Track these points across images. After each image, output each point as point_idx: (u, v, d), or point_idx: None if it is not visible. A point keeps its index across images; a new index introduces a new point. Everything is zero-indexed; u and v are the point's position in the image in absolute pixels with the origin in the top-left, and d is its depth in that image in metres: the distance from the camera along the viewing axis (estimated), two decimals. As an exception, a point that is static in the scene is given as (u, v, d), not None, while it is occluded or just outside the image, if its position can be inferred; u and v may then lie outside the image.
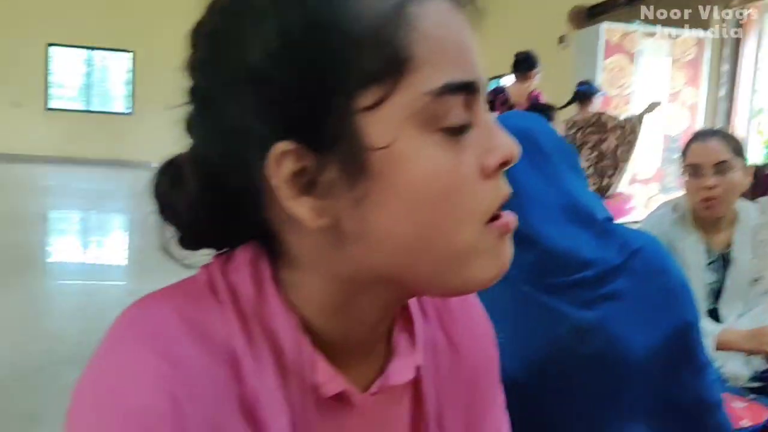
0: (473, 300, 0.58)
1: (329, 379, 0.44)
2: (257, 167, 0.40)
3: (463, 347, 0.54)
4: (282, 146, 0.39)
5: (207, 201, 0.44)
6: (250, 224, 0.45)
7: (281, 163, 0.39)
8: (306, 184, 0.40)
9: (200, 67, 0.44)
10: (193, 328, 0.41)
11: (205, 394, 0.40)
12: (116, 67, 12.13)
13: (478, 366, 0.55)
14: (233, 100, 0.41)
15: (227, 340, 0.42)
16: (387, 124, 0.39)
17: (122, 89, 12.17)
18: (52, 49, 11.83)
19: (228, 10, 0.42)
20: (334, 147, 0.39)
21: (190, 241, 0.46)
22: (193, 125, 0.46)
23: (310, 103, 0.39)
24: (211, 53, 0.43)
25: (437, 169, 0.39)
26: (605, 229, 0.92)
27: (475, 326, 0.56)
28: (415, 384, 0.50)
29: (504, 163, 0.42)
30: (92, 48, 11.92)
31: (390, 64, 0.39)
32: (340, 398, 0.45)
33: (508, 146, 0.42)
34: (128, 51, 11.83)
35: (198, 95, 0.45)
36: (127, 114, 12.09)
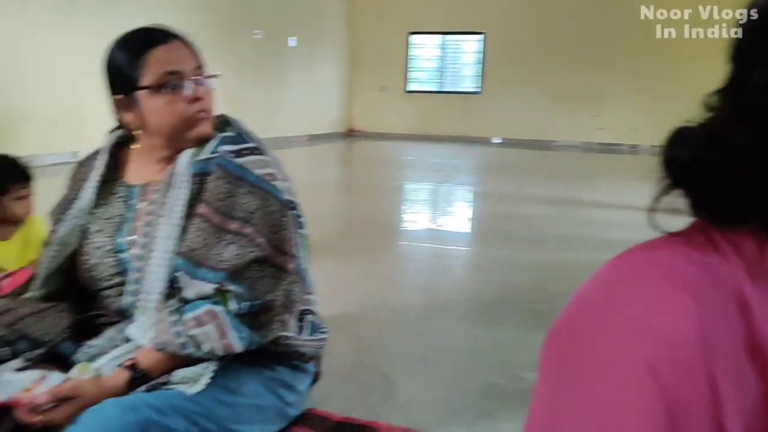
0: None
1: None
2: None
3: None
4: None
5: (761, 168, 0.46)
6: None
7: None
8: None
9: None
10: (704, 270, 0.45)
11: (722, 329, 0.44)
12: (467, 50, 12.89)
13: None
14: None
15: (735, 285, 0.45)
16: None
17: (471, 70, 12.89)
18: (412, 37, 13.10)
19: None
20: None
21: (718, 209, 0.49)
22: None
23: None
24: None
25: None
26: None
27: None
28: None
29: None
30: (446, 33, 12.86)
31: None
32: None
33: None
34: (479, 33, 12.46)
35: None
36: (475, 93, 12.80)
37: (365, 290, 2.67)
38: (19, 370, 1.18)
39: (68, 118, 6.95)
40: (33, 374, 1.14)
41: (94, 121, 6.64)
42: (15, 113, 6.49)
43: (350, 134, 13.54)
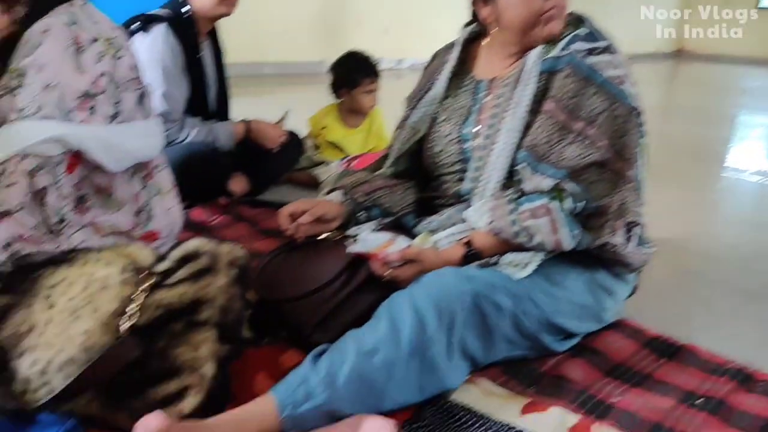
0: None
1: None
2: None
3: None
4: None
5: None
6: None
7: None
8: None
9: None
10: None
11: None
12: None
13: None
14: None
15: None
16: None
17: None
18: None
19: None
20: None
21: None
22: None
23: None
24: None
25: None
26: None
27: None
28: None
29: None
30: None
31: None
32: None
33: None
34: None
35: None
36: None
37: (688, 218, 2.47)
38: (373, 232, 1.38)
39: (397, 28, 7.46)
40: (385, 236, 1.32)
41: (419, 31, 7.06)
42: (351, 19, 7.19)
43: (679, 54, 12.17)
